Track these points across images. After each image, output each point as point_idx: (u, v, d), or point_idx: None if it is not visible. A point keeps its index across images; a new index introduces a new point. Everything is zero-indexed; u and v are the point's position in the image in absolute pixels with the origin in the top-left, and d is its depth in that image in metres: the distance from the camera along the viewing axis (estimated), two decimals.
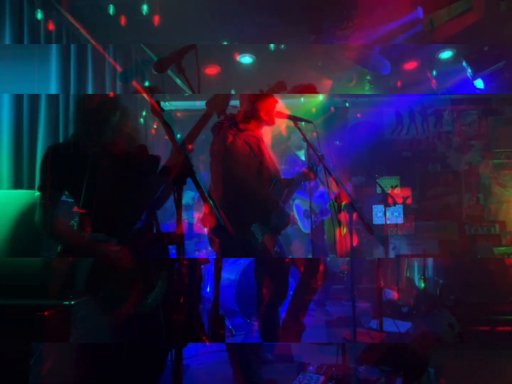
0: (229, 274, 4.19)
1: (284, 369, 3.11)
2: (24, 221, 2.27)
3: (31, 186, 3.20)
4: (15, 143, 3.17)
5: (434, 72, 5.41)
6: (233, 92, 5.96)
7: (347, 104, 6.69)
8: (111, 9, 3.84)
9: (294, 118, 2.64)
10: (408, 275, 5.39)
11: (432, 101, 6.74)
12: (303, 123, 2.68)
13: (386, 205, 4.64)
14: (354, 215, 2.39)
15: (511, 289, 4.35)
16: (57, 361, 1.92)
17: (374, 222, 5.81)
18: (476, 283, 4.33)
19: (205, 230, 4.63)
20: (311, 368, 3.01)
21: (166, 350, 1.84)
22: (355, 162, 6.15)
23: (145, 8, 3.85)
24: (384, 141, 6.74)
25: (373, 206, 5.85)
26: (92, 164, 1.76)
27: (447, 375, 2.88)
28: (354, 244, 5.88)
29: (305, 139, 2.65)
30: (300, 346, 3.80)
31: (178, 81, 5.03)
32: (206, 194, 1.45)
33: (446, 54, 5.15)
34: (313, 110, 6.50)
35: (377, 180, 4.89)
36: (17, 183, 3.15)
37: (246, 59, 5.25)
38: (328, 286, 4.80)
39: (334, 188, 2.53)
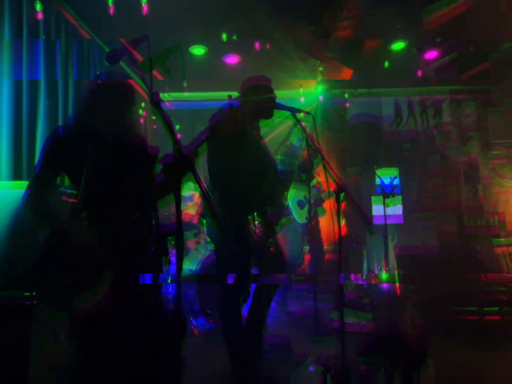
0: (189, 265, 4.14)
1: (283, 361, 3.12)
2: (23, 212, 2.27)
3: (30, 177, 3.19)
4: (14, 134, 3.16)
5: None
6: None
7: (345, 95, 6.67)
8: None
9: (292, 110, 2.61)
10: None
11: (430, 92, 6.72)
12: (302, 114, 2.65)
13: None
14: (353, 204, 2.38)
15: (475, 280, 4.34)
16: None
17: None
18: (440, 274, 4.30)
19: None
20: (310, 362, 3.03)
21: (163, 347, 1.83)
22: (353, 154, 6.14)
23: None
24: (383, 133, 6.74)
25: (372, 197, 5.84)
26: (92, 153, 1.74)
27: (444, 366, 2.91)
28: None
29: (304, 130, 2.63)
30: (299, 338, 3.80)
31: None
32: (204, 187, 1.45)
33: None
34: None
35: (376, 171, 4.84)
36: (16, 174, 3.15)
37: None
38: (289, 285, 4.70)
39: (332, 178, 2.52)
